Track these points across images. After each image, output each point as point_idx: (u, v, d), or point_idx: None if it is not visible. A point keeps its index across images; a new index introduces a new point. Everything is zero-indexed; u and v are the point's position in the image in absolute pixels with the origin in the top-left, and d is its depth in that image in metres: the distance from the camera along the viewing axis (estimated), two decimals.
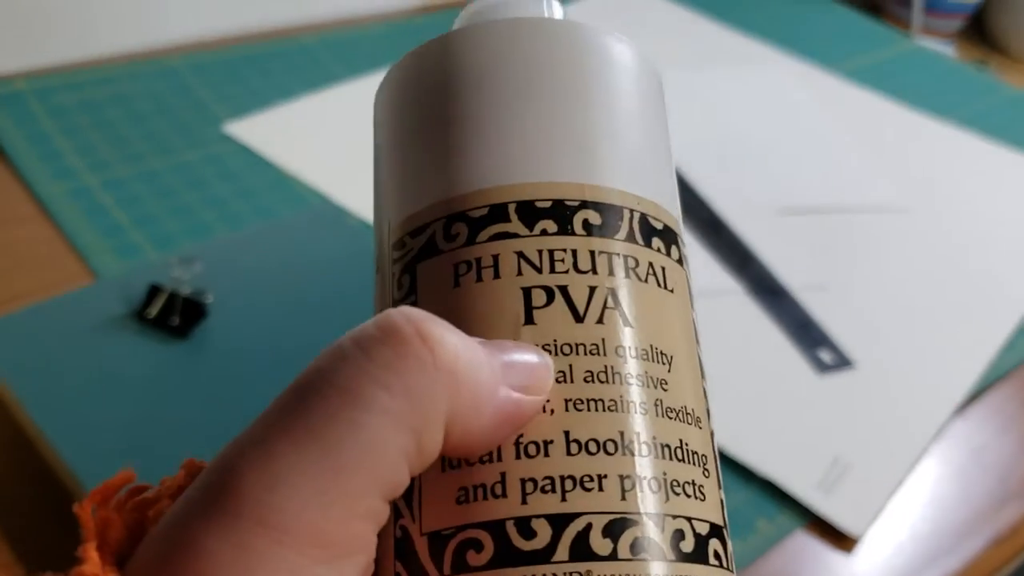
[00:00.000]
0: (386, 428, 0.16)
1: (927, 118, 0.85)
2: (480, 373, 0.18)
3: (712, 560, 0.19)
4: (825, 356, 0.59)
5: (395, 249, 0.21)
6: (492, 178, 0.20)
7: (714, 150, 0.76)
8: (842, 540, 0.49)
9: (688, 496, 0.19)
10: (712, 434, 0.21)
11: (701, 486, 0.19)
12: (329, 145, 0.71)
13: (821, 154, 0.78)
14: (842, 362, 0.59)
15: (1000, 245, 0.70)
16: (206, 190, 0.65)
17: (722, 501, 0.20)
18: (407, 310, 0.18)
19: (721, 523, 0.20)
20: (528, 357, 0.19)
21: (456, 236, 0.20)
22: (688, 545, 0.18)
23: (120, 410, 0.46)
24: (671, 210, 0.22)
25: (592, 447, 0.18)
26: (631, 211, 0.21)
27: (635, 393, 0.19)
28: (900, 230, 0.70)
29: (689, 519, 0.19)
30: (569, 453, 0.18)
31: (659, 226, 0.21)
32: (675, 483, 0.19)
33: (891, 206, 0.73)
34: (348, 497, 0.16)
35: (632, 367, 0.19)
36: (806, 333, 0.61)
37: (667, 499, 0.18)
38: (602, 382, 0.19)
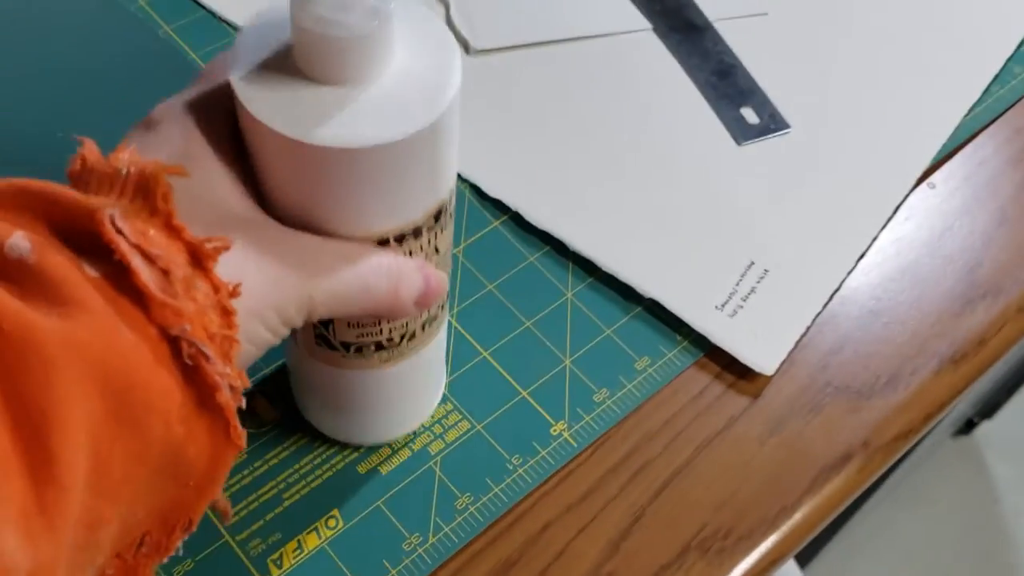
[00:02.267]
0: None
1: None
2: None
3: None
4: (750, 116, 0.46)
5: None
6: None
7: None
8: (749, 377, 0.38)
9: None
10: None
11: None
12: None
13: None
14: (774, 125, 0.45)
15: None
16: None
17: None
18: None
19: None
20: None
21: None
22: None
23: None
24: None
25: None
26: None
27: None
28: None
29: None
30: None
31: None
32: None
33: None
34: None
35: None
36: (728, 83, 0.47)
37: None
38: None
